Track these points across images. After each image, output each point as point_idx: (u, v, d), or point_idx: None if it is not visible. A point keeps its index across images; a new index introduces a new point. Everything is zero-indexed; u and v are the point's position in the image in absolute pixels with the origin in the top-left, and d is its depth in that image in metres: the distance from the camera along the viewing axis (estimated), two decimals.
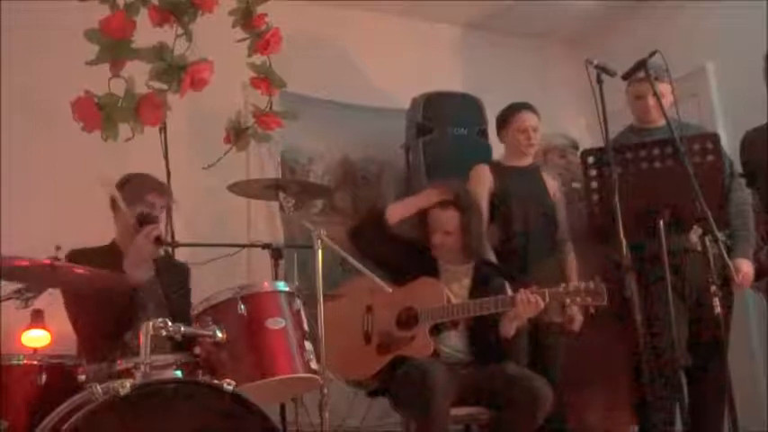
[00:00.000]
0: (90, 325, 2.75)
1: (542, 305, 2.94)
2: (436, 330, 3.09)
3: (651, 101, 3.45)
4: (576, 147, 4.00)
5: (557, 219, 3.71)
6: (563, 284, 2.96)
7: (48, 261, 2.24)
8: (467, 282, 3.26)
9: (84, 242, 2.82)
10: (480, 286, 3.22)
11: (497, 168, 3.68)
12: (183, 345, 2.62)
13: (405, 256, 3.27)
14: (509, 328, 3.04)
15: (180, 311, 2.80)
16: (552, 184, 3.78)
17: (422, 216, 3.30)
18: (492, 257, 3.43)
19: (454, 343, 3.16)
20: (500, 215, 3.58)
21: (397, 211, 3.34)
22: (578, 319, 3.49)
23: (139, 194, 2.87)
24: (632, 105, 3.61)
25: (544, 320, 3.42)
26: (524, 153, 3.73)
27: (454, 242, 3.24)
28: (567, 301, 2.93)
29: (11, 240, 2.93)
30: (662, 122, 3.28)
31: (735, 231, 3.41)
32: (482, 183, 3.60)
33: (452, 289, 3.19)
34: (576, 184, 3.88)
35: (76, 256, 2.71)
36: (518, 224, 3.57)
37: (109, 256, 2.84)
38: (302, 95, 3.98)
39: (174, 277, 2.99)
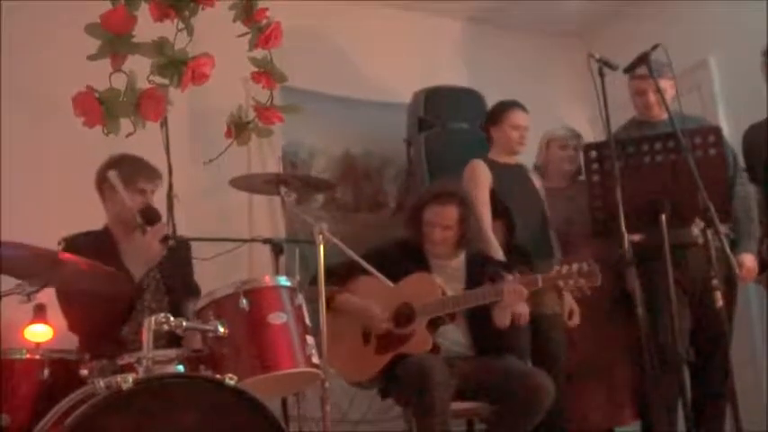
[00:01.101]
0: (85, 320, 2.75)
1: (526, 292, 2.94)
2: (434, 325, 3.09)
3: (652, 97, 3.44)
4: (578, 136, 3.97)
5: (548, 219, 3.69)
6: (556, 267, 2.95)
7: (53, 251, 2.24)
8: (463, 276, 3.26)
9: None
10: (476, 279, 3.21)
11: (492, 165, 3.64)
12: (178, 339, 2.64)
13: (395, 256, 3.25)
14: (503, 318, 3.03)
15: (184, 291, 2.81)
16: (539, 185, 3.77)
17: (416, 213, 3.29)
18: (500, 254, 3.41)
19: (453, 337, 3.16)
20: (501, 213, 3.56)
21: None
22: (576, 311, 3.48)
23: (131, 180, 2.87)
24: (634, 100, 3.60)
25: (546, 313, 3.41)
26: (515, 151, 3.71)
27: (451, 237, 3.24)
28: (561, 284, 2.91)
29: (11, 235, 2.93)
30: (664, 116, 3.28)
31: (738, 225, 3.41)
32: (483, 179, 3.57)
33: (451, 286, 3.18)
34: (580, 178, 3.86)
35: (72, 243, 2.70)
36: (519, 222, 3.56)
37: (102, 243, 2.84)
38: (304, 90, 3.97)
39: (175, 260, 2.98)
